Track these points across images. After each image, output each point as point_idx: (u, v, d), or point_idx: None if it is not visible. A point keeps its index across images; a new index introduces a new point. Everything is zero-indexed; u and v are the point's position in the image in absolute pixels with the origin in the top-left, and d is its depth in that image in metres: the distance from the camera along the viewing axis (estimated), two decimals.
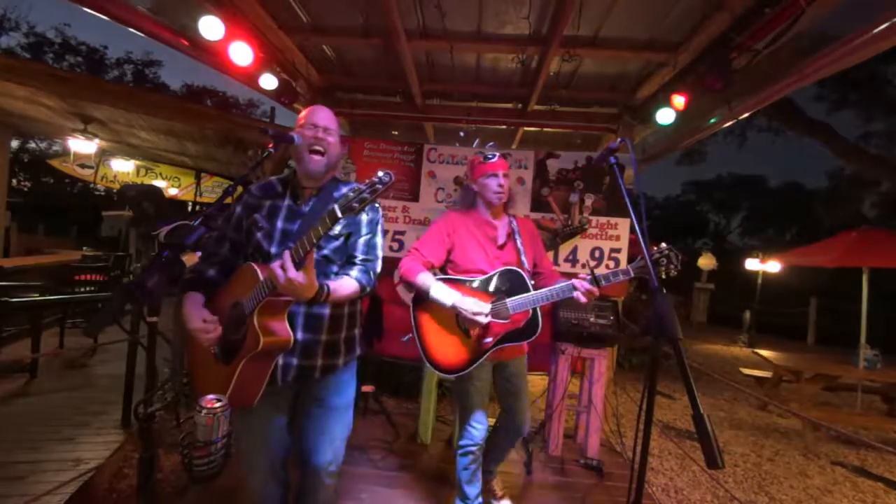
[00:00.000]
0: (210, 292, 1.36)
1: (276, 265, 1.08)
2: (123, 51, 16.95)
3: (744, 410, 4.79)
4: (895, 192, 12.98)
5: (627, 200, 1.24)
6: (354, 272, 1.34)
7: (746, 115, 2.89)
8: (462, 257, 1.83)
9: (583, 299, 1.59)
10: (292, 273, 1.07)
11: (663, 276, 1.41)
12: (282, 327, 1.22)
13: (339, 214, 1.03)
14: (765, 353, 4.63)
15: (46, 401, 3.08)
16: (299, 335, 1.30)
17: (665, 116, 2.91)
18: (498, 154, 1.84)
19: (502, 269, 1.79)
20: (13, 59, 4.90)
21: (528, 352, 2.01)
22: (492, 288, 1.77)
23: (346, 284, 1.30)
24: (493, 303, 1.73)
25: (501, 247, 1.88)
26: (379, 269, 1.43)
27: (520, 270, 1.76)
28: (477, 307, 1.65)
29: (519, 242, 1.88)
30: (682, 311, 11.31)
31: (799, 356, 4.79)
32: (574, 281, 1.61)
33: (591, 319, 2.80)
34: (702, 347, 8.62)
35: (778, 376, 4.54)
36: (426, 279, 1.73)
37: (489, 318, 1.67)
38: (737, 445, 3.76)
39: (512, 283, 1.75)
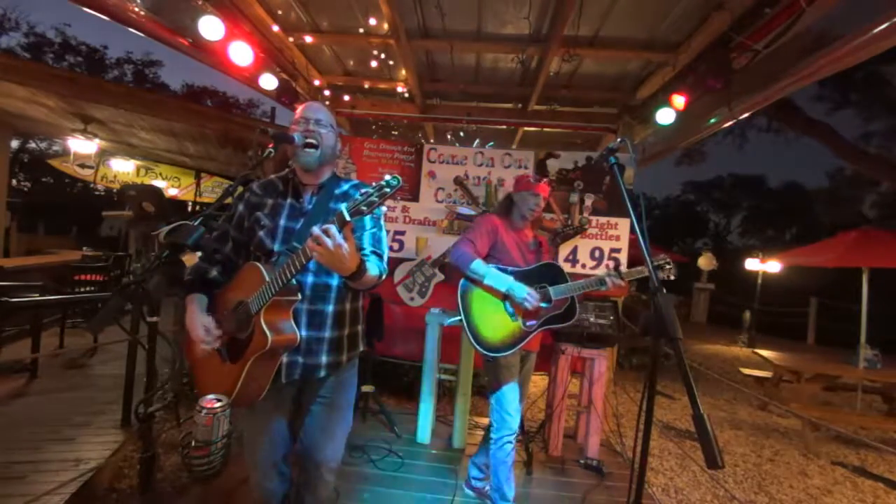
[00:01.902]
0: (213, 292, 1.37)
1: (318, 232, 1.01)
2: (123, 51, 16.97)
3: (744, 410, 4.79)
4: (895, 192, 12.98)
5: (627, 200, 1.24)
6: (372, 260, 1.33)
7: (746, 115, 2.89)
8: (502, 253, 2.03)
9: (612, 290, 1.87)
10: (340, 240, 1.03)
11: (664, 279, 1.66)
12: (288, 325, 1.24)
13: (348, 217, 1.03)
14: (765, 353, 4.62)
15: (46, 401, 3.07)
16: (303, 332, 1.30)
17: (665, 116, 2.91)
18: (545, 180, 2.10)
19: (544, 262, 2.02)
20: (13, 59, 4.90)
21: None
22: (534, 277, 1.96)
23: (370, 266, 1.27)
24: (540, 288, 1.94)
25: (532, 251, 2.11)
26: (387, 259, 1.42)
27: (558, 265, 2.00)
28: (529, 292, 1.85)
29: (547, 250, 2.17)
30: (682, 311, 11.31)
31: (799, 356, 4.79)
32: (605, 276, 1.84)
33: (591, 319, 2.81)
34: (702, 347, 8.61)
35: (778, 376, 4.54)
36: (480, 266, 1.91)
37: (537, 303, 1.85)
38: (737, 445, 3.76)
39: (552, 275, 1.97)
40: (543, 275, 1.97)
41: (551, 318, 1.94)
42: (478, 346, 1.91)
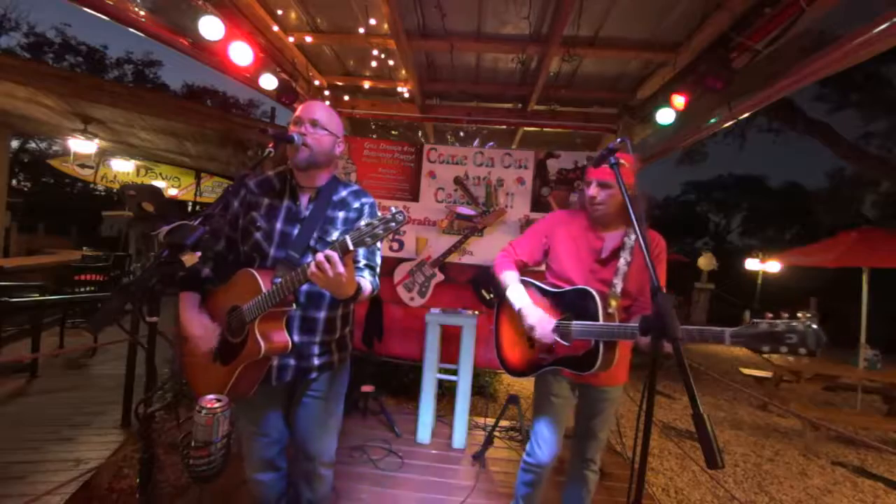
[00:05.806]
0: (204, 291, 1.37)
1: (320, 259, 1.05)
2: (123, 51, 16.98)
3: (744, 410, 4.79)
4: (895, 192, 12.98)
5: (627, 200, 1.24)
6: (366, 275, 1.35)
7: (746, 115, 2.88)
8: (556, 263, 1.68)
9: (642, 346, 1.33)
10: (341, 268, 1.06)
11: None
12: (280, 335, 1.26)
13: (351, 247, 1.06)
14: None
15: (46, 401, 3.08)
16: (295, 337, 1.32)
17: (665, 116, 2.91)
18: (623, 157, 1.48)
19: (579, 287, 1.55)
20: (13, 59, 4.90)
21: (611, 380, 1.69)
22: (564, 305, 1.57)
23: (365, 286, 1.31)
24: (559, 321, 1.52)
25: (604, 261, 1.61)
26: (379, 271, 1.44)
27: (595, 293, 1.48)
28: (537, 322, 1.51)
29: (622, 261, 1.57)
30: (682, 311, 11.31)
31: (799, 356, 4.79)
32: (636, 330, 1.31)
33: None
34: (702, 347, 8.61)
35: (778, 376, 4.54)
36: (507, 278, 1.66)
37: (543, 337, 1.50)
38: (737, 445, 3.76)
39: (582, 306, 1.49)
40: (574, 304, 1.52)
41: (566, 360, 1.53)
42: (497, 358, 1.79)
